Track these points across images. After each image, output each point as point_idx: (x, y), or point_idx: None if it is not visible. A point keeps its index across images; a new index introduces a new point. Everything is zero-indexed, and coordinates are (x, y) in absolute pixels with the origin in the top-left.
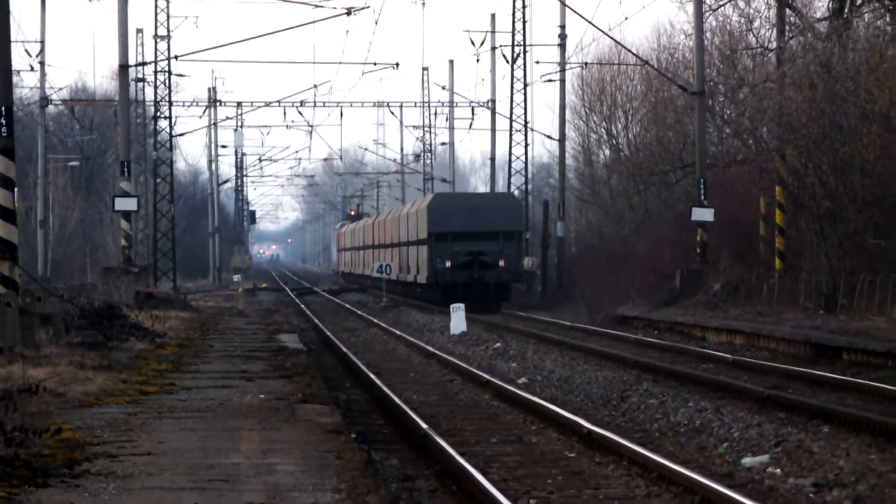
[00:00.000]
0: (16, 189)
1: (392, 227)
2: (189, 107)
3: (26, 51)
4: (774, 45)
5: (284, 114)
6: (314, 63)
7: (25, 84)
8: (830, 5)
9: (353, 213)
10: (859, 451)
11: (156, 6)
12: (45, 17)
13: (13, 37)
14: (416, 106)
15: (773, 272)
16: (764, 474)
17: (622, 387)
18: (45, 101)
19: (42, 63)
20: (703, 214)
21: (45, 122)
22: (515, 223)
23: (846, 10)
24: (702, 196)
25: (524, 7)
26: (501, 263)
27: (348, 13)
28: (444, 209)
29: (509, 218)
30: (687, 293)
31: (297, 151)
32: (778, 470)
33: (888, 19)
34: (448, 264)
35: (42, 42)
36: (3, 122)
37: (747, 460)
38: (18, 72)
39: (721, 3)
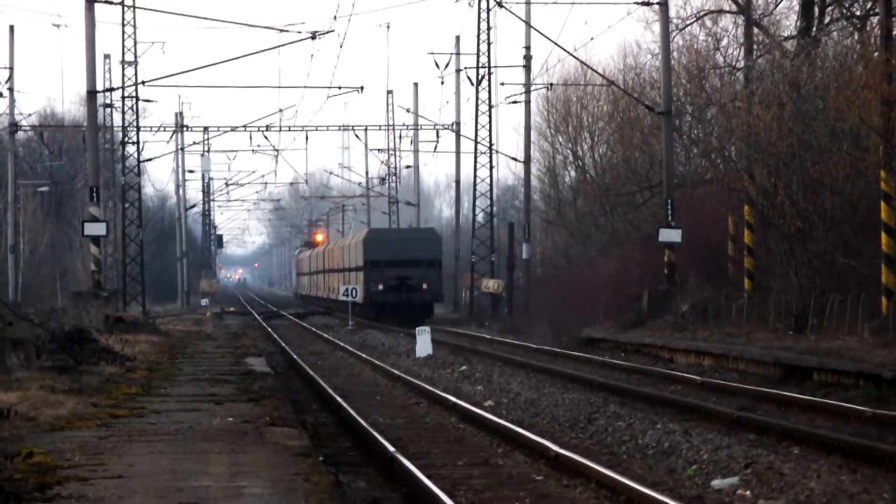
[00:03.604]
0: None
1: (338, 255)
2: (156, 132)
3: None
4: (742, 63)
5: (250, 138)
6: (279, 87)
7: None
8: (798, 24)
9: (320, 237)
10: (830, 472)
11: (123, 32)
12: (13, 44)
13: None
14: (380, 129)
15: (742, 292)
16: (734, 496)
17: (589, 409)
18: (14, 127)
19: (11, 89)
20: (671, 235)
21: (14, 148)
22: (436, 253)
23: (814, 29)
24: (669, 216)
25: (489, 29)
26: (424, 286)
27: (313, 37)
28: (377, 241)
29: (431, 249)
30: (655, 314)
31: (263, 176)
32: (748, 492)
33: (856, 37)
34: (380, 287)
35: (11, 68)
36: None
37: (717, 482)
38: None
39: (688, 22)
